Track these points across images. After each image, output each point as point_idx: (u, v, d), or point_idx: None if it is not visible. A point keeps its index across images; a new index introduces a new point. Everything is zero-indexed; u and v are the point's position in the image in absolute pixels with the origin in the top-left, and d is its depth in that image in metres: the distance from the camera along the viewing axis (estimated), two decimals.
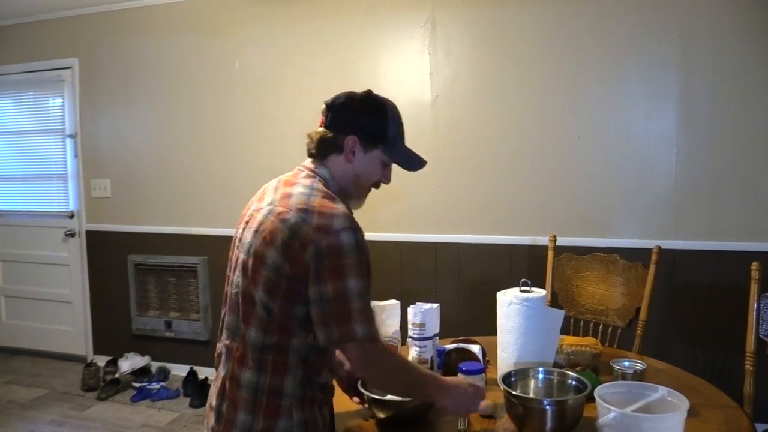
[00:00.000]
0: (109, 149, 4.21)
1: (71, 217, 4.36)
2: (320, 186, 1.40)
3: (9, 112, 4.56)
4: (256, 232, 1.37)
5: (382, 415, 1.57)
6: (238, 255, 1.42)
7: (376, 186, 1.52)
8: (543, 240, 2.93)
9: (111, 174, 4.22)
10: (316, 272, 1.28)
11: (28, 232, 4.55)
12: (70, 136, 4.30)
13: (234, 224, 3.75)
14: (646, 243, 2.79)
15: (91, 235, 4.34)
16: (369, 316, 1.31)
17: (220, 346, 1.47)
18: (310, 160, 1.49)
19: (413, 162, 1.52)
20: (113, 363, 4.10)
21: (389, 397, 1.54)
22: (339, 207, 1.35)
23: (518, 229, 3.29)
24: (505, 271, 3.30)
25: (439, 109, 3.32)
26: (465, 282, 3.41)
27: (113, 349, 4.26)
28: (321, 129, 1.46)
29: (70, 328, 4.48)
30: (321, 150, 1.46)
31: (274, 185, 1.48)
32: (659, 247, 2.47)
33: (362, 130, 1.43)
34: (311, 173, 1.44)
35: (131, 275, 4.18)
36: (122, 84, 4.11)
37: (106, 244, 4.28)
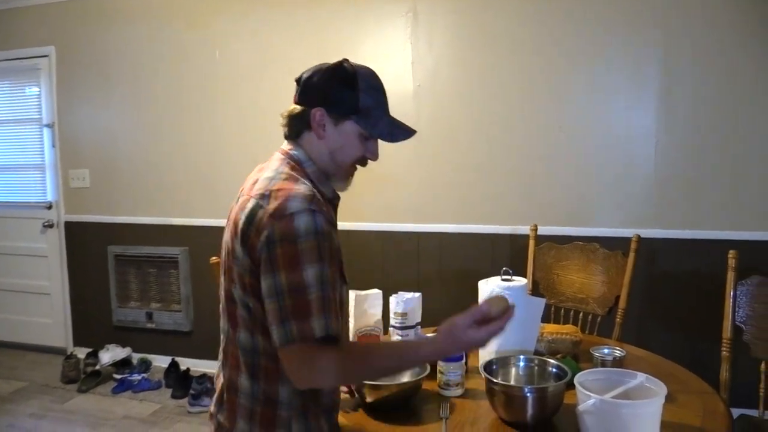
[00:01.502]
0: (87, 139, 4.15)
1: (49, 207, 4.31)
2: (286, 169, 1.30)
3: None
4: (227, 224, 1.33)
5: (369, 399, 1.58)
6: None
7: (362, 163, 1.39)
8: (524, 229, 2.95)
9: (89, 164, 4.17)
10: (268, 261, 1.17)
11: (5, 223, 4.48)
12: (48, 125, 4.23)
13: (215, 215, 3.75)
14: (626, 232, 2.82)
15: (69, 225, 4.29)
16: (329, 309, 1.18)
17: (220, 352, 1.40)
18: (286, 142, 1.40)
19: (396, 132, 1.35)
20: (94, 355, 4.06)
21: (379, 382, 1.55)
22: (299, 188, 1.23)
23: (500, 219, 3.31)
24: (486, 260, 3.32)
25: (421, 99, 3.31)
26: (447, 271, 3.42)
27: (93, 341, 4.23)
28: (292, 106, 1.37)
29: (49, 320, 4.43)
30: (292, 128, 1.36)
31: (252, 174, 1.41)
32: (638, 236, 2.49)
33: (329, 101, 1.31)
34: (284, 156, 1.35)
35: (111, 266, 4.14)
36: (100, 73, 4.06)
37: (86, 235, 4.24)
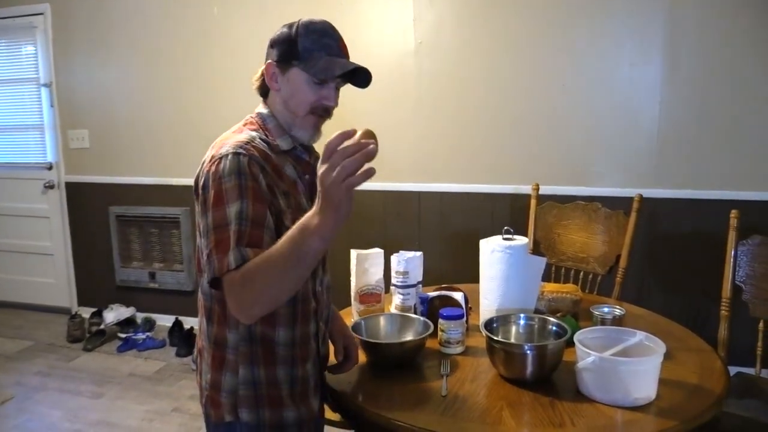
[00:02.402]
0: (85, 98, 4.11)
1: (50, 168, 4.30)
2: (240, 125, 1.37)
3: None
4: None
5: (372, 358, 1.60)
6: None
7: (324, 112, 1.35)
8: (526, 189, 2.94)
9: (89, 124, 4.14)
10: (202, 203, 1.23)
11: (6, 184, 4.48)
12: (45, 85, 4.19)
13: None
14: (628, 191, 2.81)
15: (70, 186, 4.28)
16: (244, 242, 1.14)
17: None
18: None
19: (333, 67, 1.30)
20: (98, 314, 4.11)
21: (379, 340, 1.56)
22: (238, 136, 1.29)
23: (501, 178, 3.29)
24: (487, 219, 3.32)
25: (422, 57, 3.26)
26: (448, 230, 3.43)
27: (97, 301, 4.27)
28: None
29: (53, 280, 4.46)
30: (260, 88, 1.41)
31: None
32: (641, 196, 2.49)
33: (275, 53, 1.34)
34: (251, 118, 1.40)
35: (113, 227, 4.15)
36: (97, 31, 3.99)
37: (87, 195, 4.24)
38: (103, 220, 4.18)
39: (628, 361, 1.39)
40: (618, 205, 2.58)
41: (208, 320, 1.33)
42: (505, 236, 1.83)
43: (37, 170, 4.33)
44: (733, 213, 2.11)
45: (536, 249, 2.69)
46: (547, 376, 1.50)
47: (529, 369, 1.47)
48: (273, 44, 1.36)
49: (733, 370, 1.84)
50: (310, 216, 1.05)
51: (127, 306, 4.16)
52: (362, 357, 1.64)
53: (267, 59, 1.37)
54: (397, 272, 1.91)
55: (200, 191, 1.25)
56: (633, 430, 1.30)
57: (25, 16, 4.15)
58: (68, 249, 4.36)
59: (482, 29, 3.21)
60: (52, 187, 4.30)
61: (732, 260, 2.09)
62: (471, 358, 1.66)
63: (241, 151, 1.22)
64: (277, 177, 1.29)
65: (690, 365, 1.59)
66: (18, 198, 4.44)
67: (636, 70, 3.00)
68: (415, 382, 1.54)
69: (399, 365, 1.60)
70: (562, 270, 2.65)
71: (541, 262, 1.83)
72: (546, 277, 1.97)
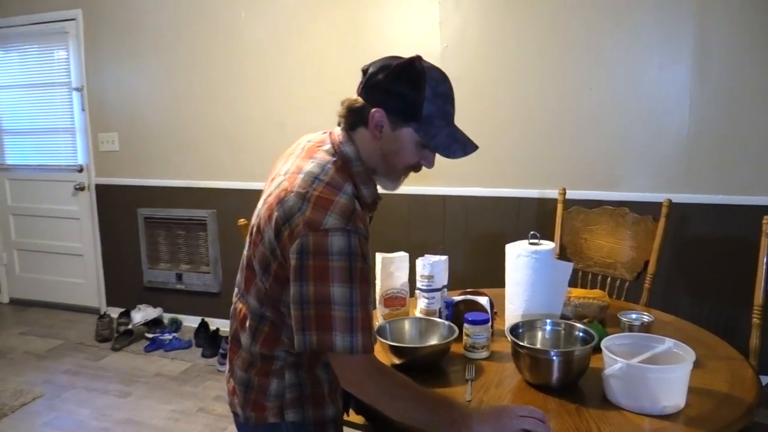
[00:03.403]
0: (115, 102, 4.18)
1: (80, 171, 4.37)
2: (331, 169, 1.25)
3: (14, 66, 4.52)
4: (264, 201, 1.31)
5: (396, 362, 1.60)
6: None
7: (416, 169, 1.34)
8: (552, 193, 2.92)
9: (118, 127, 4.21)
10: (299, 269, 1.18)
11: (38, 186, 4.57)
12: (77, 89, 4.27)
13: (242, 177, 3.77)
14: (656, 196, 2.77)
15: (100, 188, 4.36)
16: (353, 327, 1.18)
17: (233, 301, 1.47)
18: (339, 128, 1.34)
19: (455, 147, 1.28)
20: (126, 315, 4.17)
21: (403, 344, 1.57)
22: (340, 200, 1.20)
23: (527, 182, 3.27)
24: (513, 224, 3.29)
25: (448, 60, 3.26)
26: (473, 235, 3.42)
27: (125, 301, 4.33)
28: (354, 96, 1.30)
29: (82, 280, 4.54)
30: (349, 120, 1.30)
31: (300, 147, 1.37)
32: (670, 201, 2.45)
33: (392, 103, 1.23)
34: (334, 149, 1.30)
35: (141, 228, 4.21)
36: (127, 35, 4.06)
37: (116, 197, 4.30)
38: (132, 222, 4.25)
39: (656, 368, 1.37)
40: (646, 210, 2.55)
41: (252, 339, 1.34)
42: (532, 241, 1.82)
43: (68, 172, 4.41)
44: (766, 219, 2.07)
45: (563, 254, 2.67)
46: (573, 383, 1.49)
47: (555, 375, 1.45)
48: (389, 93, 1.23)
49: (765, 379, 1.80)
50: (467, 414, 1.22)
51: (155, 307, 4.22)
52: (387, 360, 1.64)
53: (368, 98, 1.26)
54: (422, 276, 1.91)
55: (296, 252, 1.18)
56: None
57: (58, 21, 4.23)
58: (98, 250, 4.44)
59: (508, 32, 3.19)
60: (82, 189, 4.38)
61: (764, 267, 2.05)
62: (496, 363, 1.65)
63: (350, 228, 1.18)
64: None
65: (720, 373, 1.56)
66: (50, 200, 4.53)
67: (665, 72, 2.96)
68: (440, 387, 1.53)
69: (424, 369, 1.60)
70: (589, 276, 2.62)
71: (567, 267, 1.81)
72: (573, 283, 1.95)
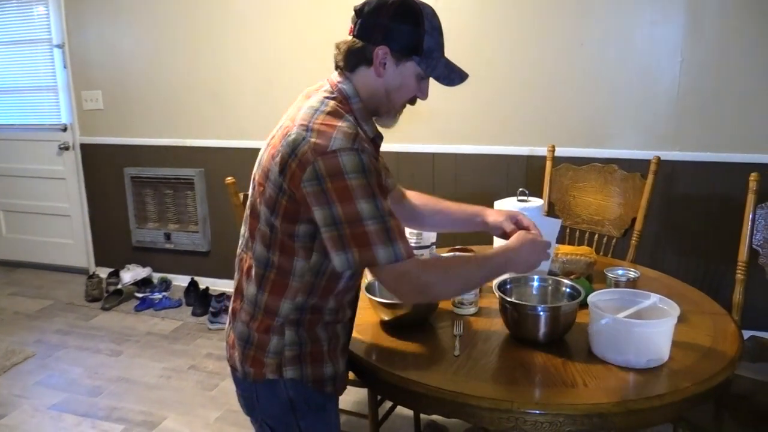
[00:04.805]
0: (98, 59, 4.09)
1: (64, 130, 4.31)
2: (331, 103, 1.29)
3: None
4: (267, 145, 1.33)
5: (386, 318, 1.61)
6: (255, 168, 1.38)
7: (412, 102, 1.41)
8: (541, 150, 2.91)
9: (102, 85, 4.13)
10: (320, 194, 1.20)
11: (22, 146, 4.50)
12: (58, 46, 4.17)
13: (230, 135, 3.73)
14: (645, 154, 2.78)
15: (85, 148, 4.30)
16: (390, 237, 1.21)
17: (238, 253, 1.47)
18: (336, 72, 1.36)
19: (452, 76, 1.38)
20: (115, 274, 4.17)
21: (393, 300, 1.58)
22: (342, 125, 1.24)
23: (517, 140, 3.26)
24: (502, 181, 3.29)
25: (440, 17, 3.19)
26: (462, 192, 3.41)
27: (114, 261, 4.32)
28: (349, 38, 1.33)
29: (70, 240, 4.52)
30: (348, 62, 1.33)
31: (299, 98, 1.40)
32: (658, 158, 2.46)
33: (394, 40, 1.29)
34: (332, 89, 1.34)
35: (128, 188, 4.18)
36: None
37: (101, 157, 4.25)
38: (119, 182, 4.21)
39: (641, 323, 1.39)
40: (635, 167, 2.55)
41: (258, 287, 1.34)
42: (520, 198, 1.82)
43: (51, 132, 4.35)
44: (753, 176, 2.08)
45: (551, 211, 2.68)
46: (560, 338, 1.51)
47: (542, 330, 1.47)
48: (391, 30, 1.28)
49: (747, 333, 1.83)
50: (508, 257, 1.40)
51: (144, 266, 4.22)
52: (375, 317, 1.65)
53: (369, 38, 1.30)
54: (410, 233, 1.91)
55: (309, 179, 1.20)
56: (645, 390, 1.30)
57: None
58: (85, 210, 4.40)
59: None
60: (67, 148, 4.32)
61: (750, 224, 2.07)
62: (484, 319, 1.67)
63: (357, 147, 1.21)
64: None
65: (704, 328, 1.59)
66: (34, 160, 4.47)
67: (657, 28, 2.93)
68: (428, 342, 1.55)
69: (412, 325, 1.61)
70: (576, 232, 2.64)
71: (556, 224, 1.81)
72: (561, 240, 1.96)
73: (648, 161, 2.46)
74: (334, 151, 1.20)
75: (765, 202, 2.08)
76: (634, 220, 2.46)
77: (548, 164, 2.73)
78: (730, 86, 2.87)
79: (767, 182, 2.13)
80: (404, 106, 1.41)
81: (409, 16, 1.29)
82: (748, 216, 2.07)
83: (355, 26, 1.32)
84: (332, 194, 1.19)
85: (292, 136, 1.24)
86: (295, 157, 1.22)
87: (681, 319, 1.44)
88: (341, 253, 1.22)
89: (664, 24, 2.91)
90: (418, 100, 1.42)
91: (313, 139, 1.21)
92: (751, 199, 2.07)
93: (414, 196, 1.76)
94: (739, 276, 2.07)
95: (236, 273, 1.43)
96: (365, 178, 1.20)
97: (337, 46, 1.35)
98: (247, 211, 1.39)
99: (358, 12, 1.32)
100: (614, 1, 2.96)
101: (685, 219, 3.05)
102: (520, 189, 1.84)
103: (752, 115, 2.86)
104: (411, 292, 1.29)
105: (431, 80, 1.40)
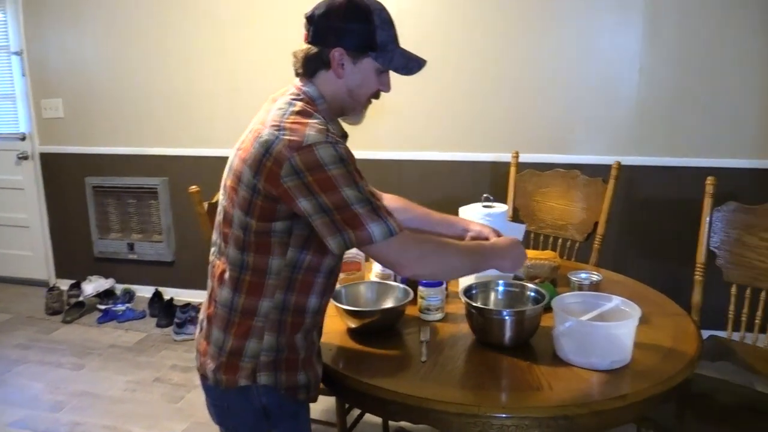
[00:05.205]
0: (58, 67, 4.01)
1: (23, 139, 4.20)
2: (299, 103, 1.32)
3: None
4: (237, 150, 1.34)
5: (352, 325, 1.61)
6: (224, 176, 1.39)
7: (376, 96, 1.43)
8: (506, 157, 2.94)
9: (62, 93, 4.05)
10: (302, 187, 1.21)
11: None
12: (16, 53, 4.08)
13: (193, 144, 3.70)
14: (607, 159, 2.83)
15: (45, 157, 4.20)
16: (380, 215, 1.24)
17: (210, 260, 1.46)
18: (298, 79, 1.39)
19: (410, 65, 1.39)
20: (77, 286, 4.08)
21: (359, 308, 1.58)
22: (313, 122, 1.27)
23: (482, 146, 3.29)
24: (468, 187, 3.32)
25: (404, 26, 3.20)
26: (429, 198, 3.39)
27: (76, 273, 4.23)
28: (305, 45, 1.36)
29: (29, 252, 4.40)
30: (307, 68, 1.36)
31: (266, 103, 1.42)
32: (619, 163, 2.50)
33: (348, 40, 1.32)
34: (297, 92, 1.36)
35: (90, 198, 4.10)
36: None
37: (62, 166, 4.16)
38: (80, 191, 4.12)
39: (604, 325, 1.41)
40: (597, 172, 2.60)
41: (234, 290, 1.33)
42: (485, 204, 1.84)
43: (9, 141, 4.24)
44: (709, 180, 2.13)
45: (516, 216, 2.71)
46: (525, 341, 1.53)
47: (508, 334, 1.49)
48: (343, 31, 1.32)
49: (706, 333, 1.88)
50: (492, 252, 1.46)
51: (106, 278, 4.13)
52: (342, 324, 1.65)
53: (323, 41, 1.33)
54: None
55: (288, 175, 1.22)
56: (608, 391, 1.32)
57: None
58: (44, 221, 4.30)
59: None
60: (26, 158, 4.22)
61: (707, 226, 2.12)
62: (450, 325, 1.68)
63: (331, 139, 1.24)
64: None
65: (665, 329, 1.62)
66: None
67: (617, 37, 3.00)
68: (395, 349, 1.55)
69: (379, 332, 1.61)
70: (541, 237, 2.67)
71: (520, 229, 1.84)
72: (525, 245, 1.98)
73: (609, 166, 2.51)
74: (310, 145, 1.22)
75: (721, 205, 2.13)
76: (596, 224, 2.51)
77: (512, 170, 2.76)
78: (687, 93, 2.95)
79: (723, 186, 2.19)
80: (370, 102, 1.44)
81: (359, 15, 1.32)
82: (705, 219, 2.12)
83: (308, 33, 1.36)
84: (315, 186, 1.21)
85: (265, 137, 1.25)
86: (269, 156, 1.23)
87: (643, 321, 1.47)
88: (337, 236, 1.23)
89: (624, 33, 2.98)
90: (383, 95, 1.44)
91: (286, 137, 1.23)
92: (707, 202, 2.12)
93: (391, 200, 1.77)
94: (698, 277, 2.12)
95: (208, 280, 1.42)
96: (345, 167, 1.23)
97: (295, 55, 1.38)
98: (219, 217, 1.38)
99: (309, 19, 1.35)
100: (576, 10, 3.02)
101: (646, 223, 3.12)
102: (485, 195, 1.86)
103: (708, 120, 2.94)
104: (412, 261, 1.30)
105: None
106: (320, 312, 1.41)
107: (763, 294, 2.00)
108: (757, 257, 2.01)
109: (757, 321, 1.98)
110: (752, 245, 2.01)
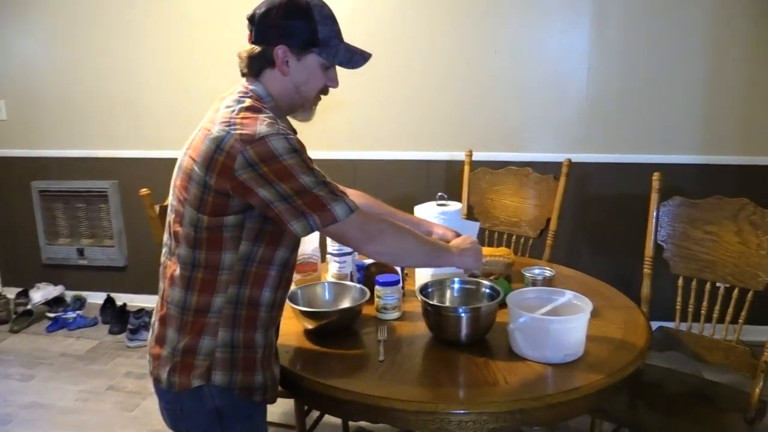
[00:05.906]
0: (0, 67, 3.88)
1: None
2: (248, 100, 1.33)
3: None
4: (187, 148, 1.34)
5: (309, 327, 1.60)
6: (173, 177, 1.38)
7: (324, 92, 1.44)
8: (460, 155, 2.97)
9: (5, 94, 3.91)
10: (258, 178, 1.22)
11: None
12: None
13: (143, 146, 3.62)
14: (558, 156, 2.88)
15: None
16: (338, 195, 1.28)
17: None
18: (244, 79, 1.40)
19: (355, 59, 1.41)
20: (24, 294, 3.95)
21: (315, 309, 1.58)
22: (262, 116, 1.28)
23: (436, 145, 3.32)
24: (422, 186, 3.34)
25: (355, 24, 3.21)
26: (384, 198, 3.36)
27: (23, 280, 4.09)
28: (249, 46, 1.37)
29: None
30: (253, 68, 1.38)
31: (215, 103, 1.41)
32: (569, 160, 2.55)
33: (290, 37, 1.33)
34: (244, 90, 1.37)
35: (36, 202, 3.97)
36: None
37: (6, 170, 4.02)
38: (26, 196, 3.99)
39: (557, 319, 1.44)
40: (549, 169, 2.65)
41: (186, 289, 1.32)
42: (439, 202, 1.85)
43: None
44: (656, 175, 2.19)
45: (470, 214, 2.74)
46: (481, 338, 1.55)
47: (464, 331, 1.50)
48: (284, 28, 1.33)
49: (655, 324, 1.93)
50: (449, 248, 1.51)
51: (56, 284, 4.01)
52: (299, 326, 1.64)
53: (266, 40, 1.35)
54: (333, 240, 1.91)
55: (241, 168, 1.22)
56: (562, 384, 1.35)
57: None
58: None
59: None
60: None
61: (654, 220, 2.18)
62: (408, 323, 1.69)
63: (282, 132, 1.25)
64: None
65: (616, 322, 1.66)
66: None
67: (566, 37, 3.06)
68: (353, 349, 1.55)
69: (336, 333, 1.61)
70: (495, 234, 2.70)
71: (474, 226, 1.86)
72: (480, 242, 2.01)
73: (560, 163, 2.56)
74: (262, 137, 1.23)
75: (667, 200, 2.20)
76: (549, 220, 2.55)
77: (466, 168, 2.79)
78: (633, 91, 3.03)
79: (669, 181, 2.26)
80: (319, 98, 1.45)
81: (299, 12, 1.33)
82: (653, 213, 2.18)
83: (251, 33, 1.37)
84: (271, 176, 1.22)
85: (215, 134, 1.26)
86: (221, 152, 1.23)
87: (594, 314, 1.51)
88: (301, 220, 1.25)
89: (572, 33, 3.05)
90: (335, 92, 1.45)
91: (237, 131, 1.24)
92: (654, 197, 2.18)
93: (357, 196, 1.77)
94: (646, 270, 2.18)
95: (160, 282, 1.41)
96: (299, 156, 1.25)
97: (239, 56, 1.39)
98: (170, 217, 1.37)
99: (251, 19, 1.37)
100: (526, 10, 3.08)
101: (596, 218, 3.19)
102: (439, 193, 1.87)
103: (654, 118, 3.03)
104: (374, 236, 1.33)
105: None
106: (276, 307, 1.40)
107: (708, 285, 2.07)
108: (702, 249, 2.07)
109: (703, 311, 2.04)
110: (697, 238, 2.08)
